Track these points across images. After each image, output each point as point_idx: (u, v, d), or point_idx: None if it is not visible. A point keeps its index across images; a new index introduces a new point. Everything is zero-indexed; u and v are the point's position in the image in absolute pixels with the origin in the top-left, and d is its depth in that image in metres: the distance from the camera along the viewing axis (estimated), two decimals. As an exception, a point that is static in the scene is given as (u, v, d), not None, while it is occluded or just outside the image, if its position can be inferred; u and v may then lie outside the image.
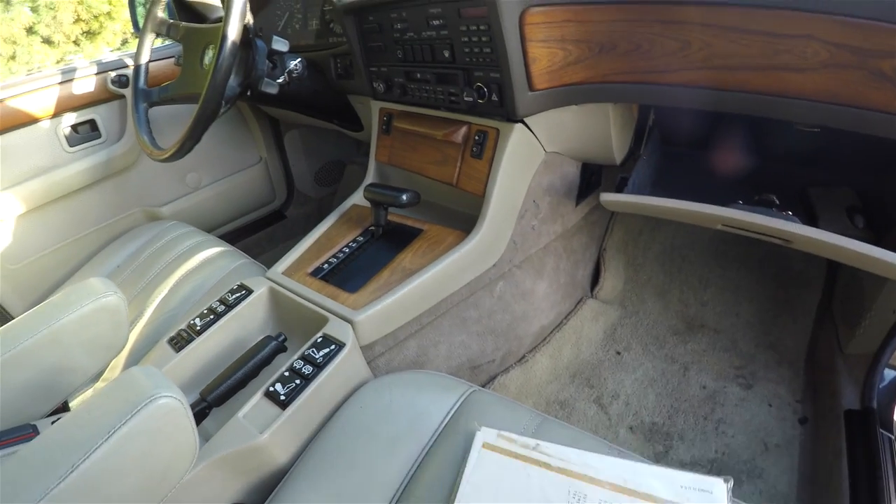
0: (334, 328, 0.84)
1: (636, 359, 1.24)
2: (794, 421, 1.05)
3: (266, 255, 1.84)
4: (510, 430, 0.67)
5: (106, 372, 0.97)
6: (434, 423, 0.70)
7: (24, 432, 0.76)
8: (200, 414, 0.80)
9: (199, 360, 0.89)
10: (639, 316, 1.34)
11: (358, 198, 1.18)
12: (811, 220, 0.96)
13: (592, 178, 1.24)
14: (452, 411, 0.71)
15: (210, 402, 0.80)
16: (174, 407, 0.59)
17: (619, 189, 1.02)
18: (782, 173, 1.09)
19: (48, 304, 0.84)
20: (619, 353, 1.27)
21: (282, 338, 0.86)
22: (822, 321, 1.18)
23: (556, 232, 1.21)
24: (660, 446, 1.06)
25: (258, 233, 1.86)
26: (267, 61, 1.07)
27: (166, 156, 1.06)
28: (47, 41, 7.68)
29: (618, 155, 1.06)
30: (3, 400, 0.77)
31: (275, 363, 0.85)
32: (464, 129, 1.02)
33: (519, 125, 0.96)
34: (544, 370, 1.24)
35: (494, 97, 0.93)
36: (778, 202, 0.93)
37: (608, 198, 0.96)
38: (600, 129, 1.01)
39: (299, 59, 1.15)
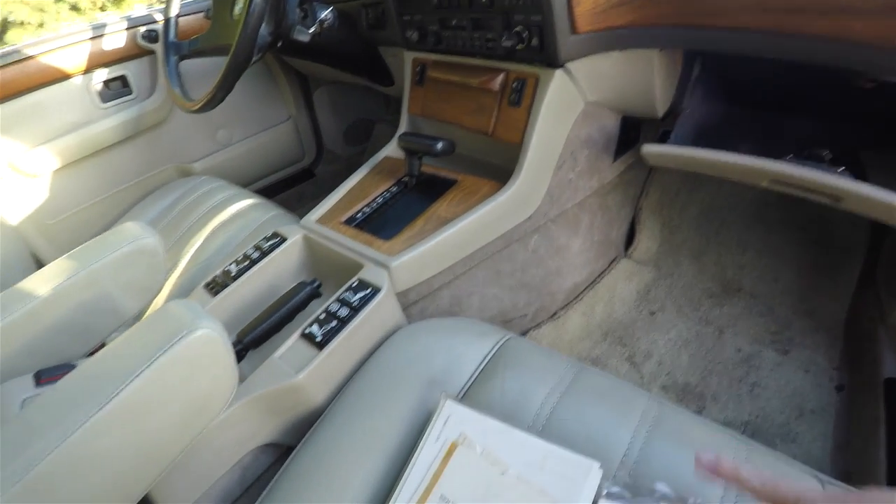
0: (370, 273, 0.83)
1: (670, 320, 1.22)
2: (830, 388, 1.02)
3: (296, 212, 1.85)
4: (547, 377, 0.66)
5: (143, 317, 0.99)
6: (471, 367, 0.69)
7: (64, 370, 0.78)
8: (237, 356, 0.80)
9: (235, 304, 0.90)
10: (673, 277, 1.31)
11: (390, 150, 1.16)
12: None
13: (631, 133, 1.20)
14: (490, 356, 0.71)
15: (246, 345, 0.80)
16: (214, 338, 0.59)
17: (661, 142, 0.99)
18: (832, 134, 1.04)
19: (86, 247, 0.85)
20: (652, 313, 1.24)
21: (316, 283, 0.86)
22: (864, 289, 1.14)
23: (593, 187, 1.18)
24: (693, 406, 1.04)
25: (288, 190, 1.87)
26: (298, 10, 1.06)
27: (198, 106, 1.05)
28: (74, 8, 7.71)
29: (660, 107, 1.02)
30: (42, 339, 0.79)
31: (309, 308, 0.85)
32: (501, 77, 0.99)
33: (559, 71, 0.93)
34: (576, 327, 1.22)
35: (535, 41, 0.89)
36: (830, 157, 0.89)
37: (650, 149, 0.93)
38: (643, 78, 0.97)
39: (331, 9, 1.13)
